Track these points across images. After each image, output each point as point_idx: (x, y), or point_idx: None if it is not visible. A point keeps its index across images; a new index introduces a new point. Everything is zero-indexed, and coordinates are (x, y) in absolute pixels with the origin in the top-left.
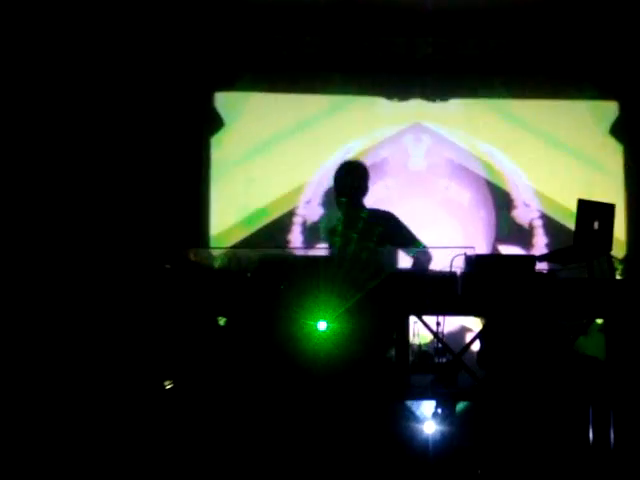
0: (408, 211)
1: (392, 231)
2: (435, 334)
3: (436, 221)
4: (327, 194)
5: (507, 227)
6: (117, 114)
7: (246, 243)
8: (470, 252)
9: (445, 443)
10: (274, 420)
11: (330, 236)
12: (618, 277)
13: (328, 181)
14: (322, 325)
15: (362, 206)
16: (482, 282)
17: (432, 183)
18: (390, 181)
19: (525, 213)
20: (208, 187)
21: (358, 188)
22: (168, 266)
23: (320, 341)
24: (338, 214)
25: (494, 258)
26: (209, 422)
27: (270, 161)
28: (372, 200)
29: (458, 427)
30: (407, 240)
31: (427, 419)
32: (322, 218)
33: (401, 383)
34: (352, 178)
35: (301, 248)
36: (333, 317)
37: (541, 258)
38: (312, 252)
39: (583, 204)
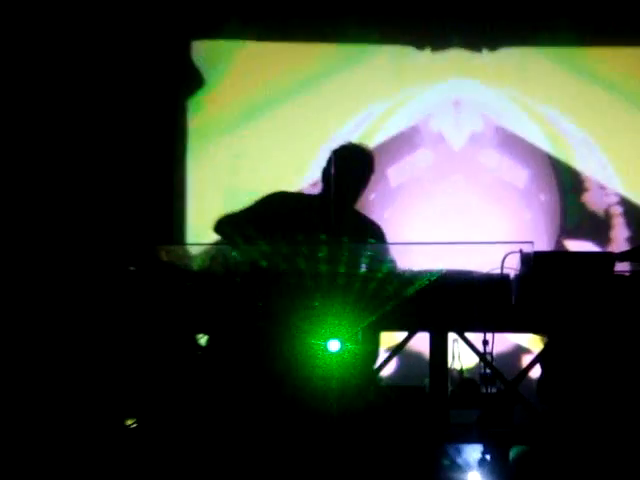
0: (445, 196)
1: None
2: (482, 356)
3: (482, 208)
4: None
5: (576, 216)
6: (62, 69)
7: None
8: (528, 249)
9: None
10: (274, 470)
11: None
12: None
13: None
14: (334, 345)
15: (354, 210)
16: (543, 288)
17: (477, 158)
18: (422, 156)
19: (600, 197)
20: (184, 165)
21: (361, 185)
22: (133, 268)
23: (332, 367)
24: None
25: (559, 256)
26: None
27: (265, 131)
28: (398, 182)
29: (512, 479)
30: None
31: (471, 468)
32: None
33: (438, 421)
34: (359, 170)
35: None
36: (349, 334)
37: (622, 256)
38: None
39: None
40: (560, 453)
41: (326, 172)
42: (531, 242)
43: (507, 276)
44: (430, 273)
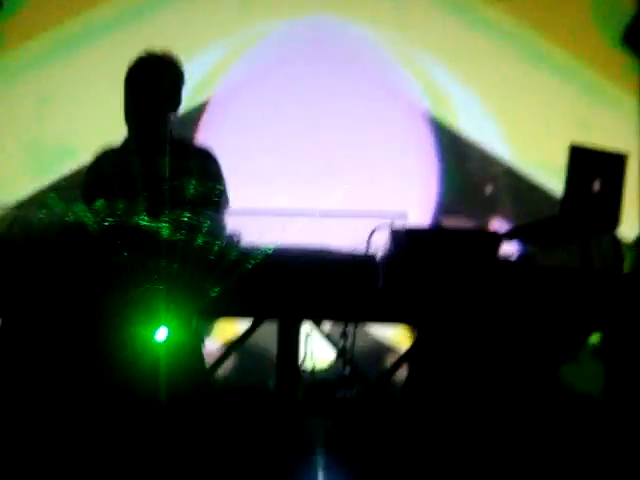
0: (300, 161)
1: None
2: (342, 351)
3: (345, 173)
4: None
5: (456, 188)
6: None
7: (39, 199)
8: (399, 223)
9: None
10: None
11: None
12: (626, 269)
13: None
14: (162, 333)
15: (167, 135)
16: (416, 270)
17: (339, 116)
18: (268, 116)
19: (485, 167)
20: None
21: (167, 97)
22: None
23: (158, 361)
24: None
25: (437, 233)
26: None
27: (80, 69)
28: (231, 148)
29: None
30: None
31: None
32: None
33: (285, 430)
34: (155, 78)
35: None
36: (180, 321)
37: (510, 235)
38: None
39: (578, 153)
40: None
41: (126, 85)
42: (404, 212)
43: (373, 256)
44: (280, 249)
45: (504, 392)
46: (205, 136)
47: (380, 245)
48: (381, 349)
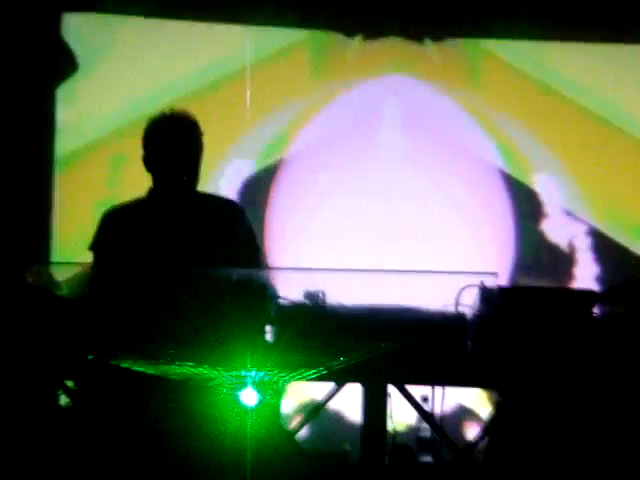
0: (378, 220)
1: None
2: (424, 415)
3: (423, 234)
4: None
5: (534, 248)
6: None
7: None
8: (490, 282)
9: None
10: None
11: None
12: None
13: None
14: (249, 397)
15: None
16: (509, 331)
17: (414, 171)
18: (344, 175)
19: (564, 226)
20: (51, 171)
21: (195, 160)
22: None
23: (246, 425)
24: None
25: (530, 292)
26: None
27: None
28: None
29: None
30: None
31: None
32: None
33: None
34: (185, 141)
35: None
36: (271, 382)
37: (605, 296)
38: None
39: None
40: None
41: (151, 146)
42: (495, 273)
43: (463, 316)
44: (365, 308)
45: (607, 461)
46: (280, 194)
47: (469, 304)
48: (463, 412)
